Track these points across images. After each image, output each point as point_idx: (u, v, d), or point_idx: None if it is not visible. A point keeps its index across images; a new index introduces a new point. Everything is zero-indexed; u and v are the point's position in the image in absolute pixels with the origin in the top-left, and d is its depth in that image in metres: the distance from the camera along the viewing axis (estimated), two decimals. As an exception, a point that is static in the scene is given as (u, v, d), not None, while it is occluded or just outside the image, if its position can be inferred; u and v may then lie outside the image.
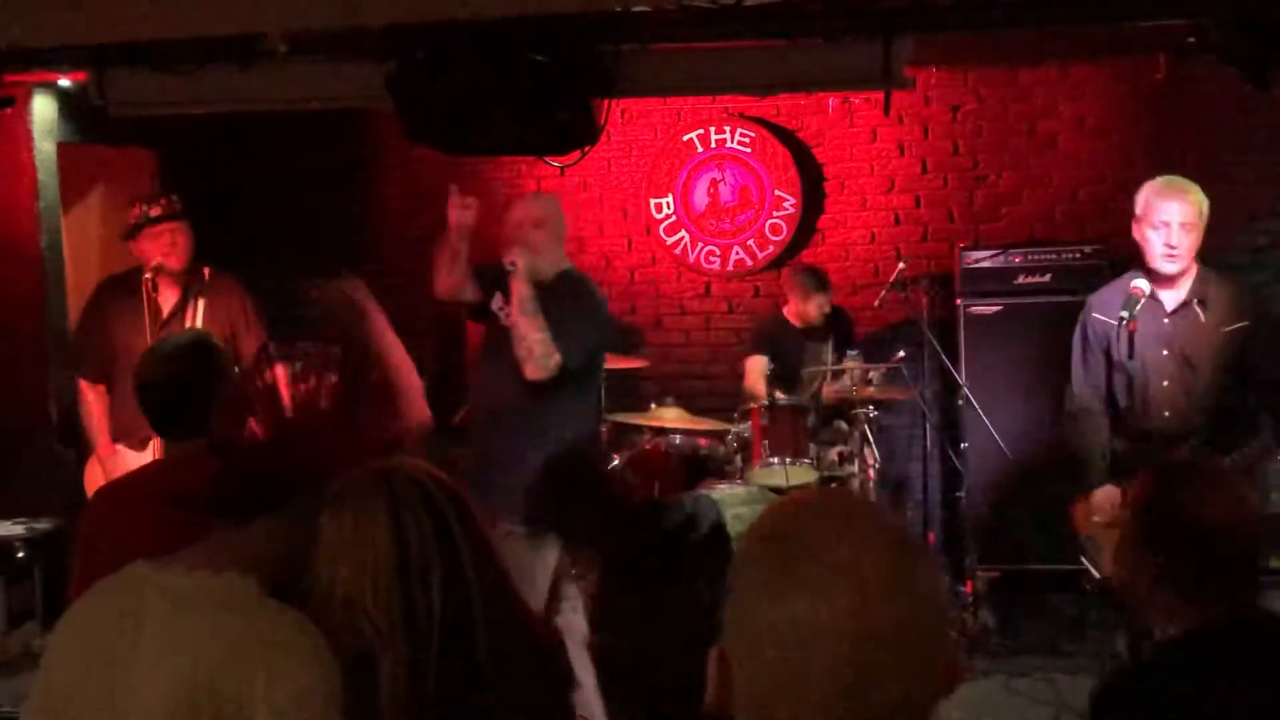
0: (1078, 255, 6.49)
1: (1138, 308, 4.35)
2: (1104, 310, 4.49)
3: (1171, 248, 4.28)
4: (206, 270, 5.07)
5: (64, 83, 5.89)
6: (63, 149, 6.33)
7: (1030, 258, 6.60)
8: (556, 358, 4.34)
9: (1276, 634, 2.30)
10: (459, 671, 1.87)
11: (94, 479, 5.04)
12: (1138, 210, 4.37)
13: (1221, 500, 2.31)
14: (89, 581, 2.12)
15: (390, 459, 2.03)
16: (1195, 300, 4.37)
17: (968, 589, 6.11)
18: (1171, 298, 4.40)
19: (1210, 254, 6.65)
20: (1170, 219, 4.27)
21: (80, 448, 5.65)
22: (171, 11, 3.86)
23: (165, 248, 4.93)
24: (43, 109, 6.20)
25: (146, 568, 1.93)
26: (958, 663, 1.33)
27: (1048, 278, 6.50)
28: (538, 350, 4.33)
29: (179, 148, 6.91)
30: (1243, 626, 2.27)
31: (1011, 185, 7.08)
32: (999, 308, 6.58)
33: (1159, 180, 4.38)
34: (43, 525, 5.60)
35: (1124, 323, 4.36)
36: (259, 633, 1.80)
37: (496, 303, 4.61)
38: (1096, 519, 4.32)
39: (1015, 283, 6.58)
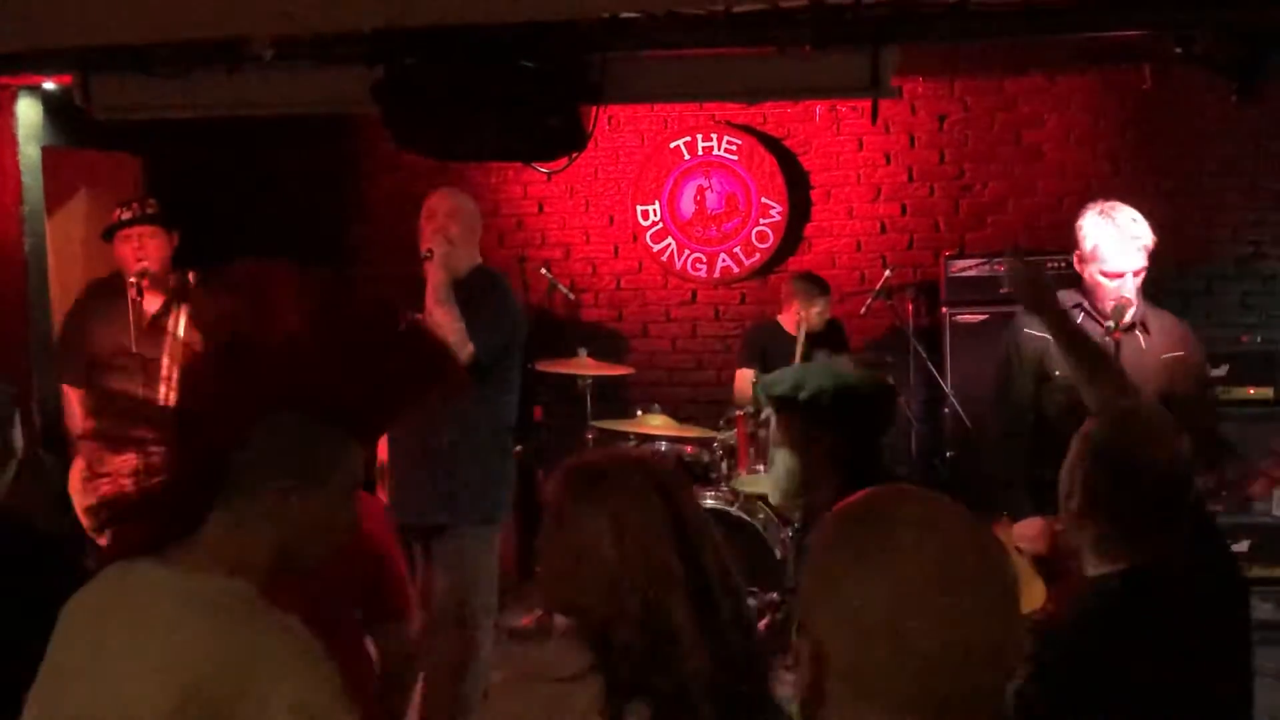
0: (1063, 264, 6.42)
1: (1126, 318, 4.22)
2: (1036, 325, 4.14)
3: (1124, 297, 4.05)
4: (192, 275, 5.05)
5: (49, 86, 5.87)
6: (48, 153, 6.30)
7: (1016, 267, 6.60)
8: (470, 348, 4.31)
9: (1205, 572, 2.53)
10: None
11: (79, 483, 5.01)
12: (1084, 250, 4.09)
13: (1163, 443, 2.49)
14: None
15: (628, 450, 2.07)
16: (1138, 325, 4.14)
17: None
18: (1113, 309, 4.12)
19: (1193, 264, 6.76)
20: (1124, 269, 4.03)
21: (64, 452, 5.61)
22: (157, 15, 3.83)
23: (135, 251, 4.89)
24: (28, 112, 6.17)
25: (147, 564, 1.89)
26: (1024, 648, 1.41)
27: (1033, 286, 6.50)
28: (452, 339, 4.28)
29: (165, 152, 6.89)
30: (1173, 565, 2.40)
31: (997, 194, 7.10)
32: (984, 316, 6.58)
33: (1107, 228, 4.04)
34: (25, 530, 5.55)
35: (1109, 333, 4.21)
36: (254, 643, 1.78)
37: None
38: (1022, 548, 4.04)
39: (1001, 292, 6.57)
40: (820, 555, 1.42)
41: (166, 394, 4.52)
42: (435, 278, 4.41)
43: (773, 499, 3.04)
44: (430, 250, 4.46)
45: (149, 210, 4.95)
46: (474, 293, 4.47)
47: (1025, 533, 4.09)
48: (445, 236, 4.49)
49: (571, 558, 2.07)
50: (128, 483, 1.91)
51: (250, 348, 1.93)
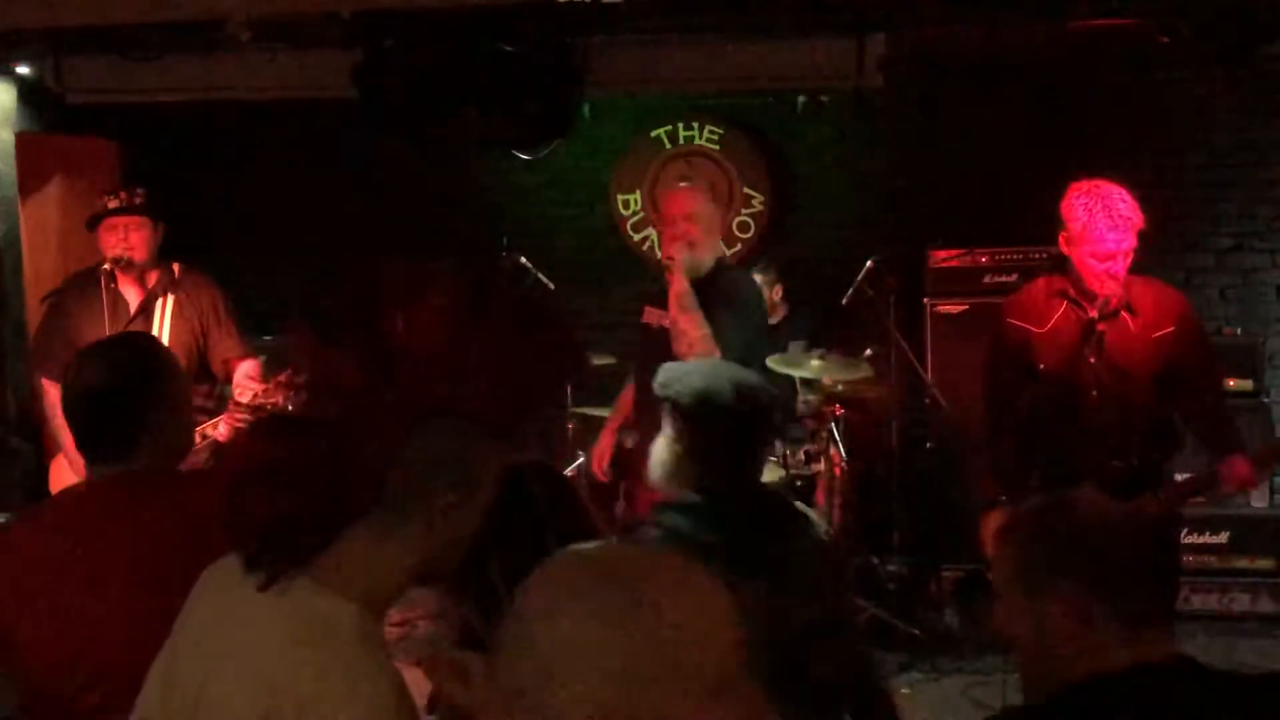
0: (1045, 256, 6.47)
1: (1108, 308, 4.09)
2: (1020, 316, 4.22)
3: (1114, 276, 4.02)
4: (176, 266, 4.98)
5: (23, 70, 5.80)
6: (21, 138, 6.22)
7: (997, 258, 6.61)
8: (716, 354, 4.26)
9: (1195, 679, 1.95)
10: None
11: (61, 476, 4.95)
12: (1072, 231, 4.04)
13: (1112, 507, 2.07)
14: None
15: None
16: (1124, 306, 4.08)
17: (933, 588, 6.09)
18: (1100, 302, 4.10)
19: (1175, 256, 6.76)
20: (1115, 250, 3.98)
21: (42, 443, 5.55)
22: (133, -3, 3.79)
23: (120, 241, 4.83)
24: (1, 97, 6.09)
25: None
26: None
27: (1014, 277, 6.48)
28: (699, 347, 4.28)
29: (142, 138, 6.81)
30: (1159, 671, 1.92)
31: (980, 185, 7.08)
32: (965, 307, 6.58)
33: (1096, 208, 3.99)
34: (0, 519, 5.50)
35: (1094, 323, 4.12)
36: (348, 688, 1.66)
37: (650, 318, 4.60)
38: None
39: (982, 282, 6.58)
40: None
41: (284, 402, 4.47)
42: (678, 285, 4.36)
43: (649, 481, 3.08)
44: (671, 258, 4.40)
45: (136, 200, 4.87)
46: (718, 293, 4.42)
47: (985, 534, 4.07)
48: (686, 241, 4.43)
49: None
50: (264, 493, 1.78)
51: (401, 352, 1.82)
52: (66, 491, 2.88)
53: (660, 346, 4.42)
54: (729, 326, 4.35)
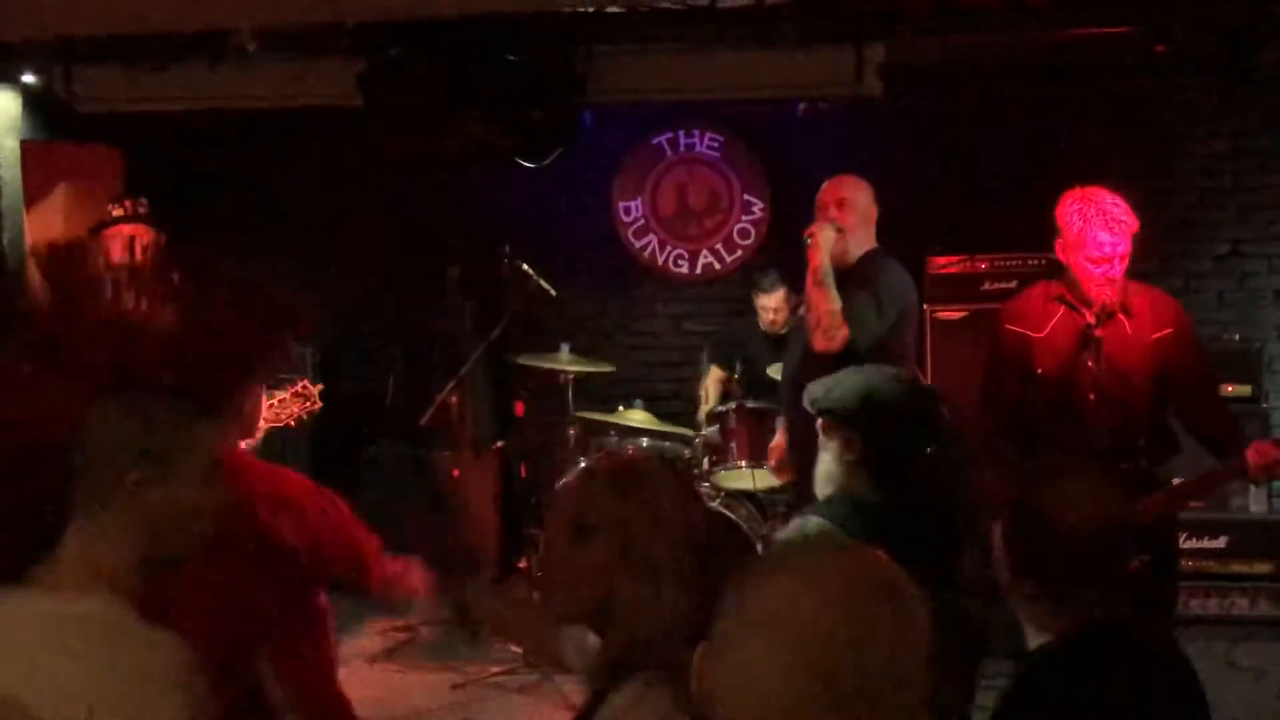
0: (1044, 262, 6.49)
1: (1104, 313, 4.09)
2: (1017, 321, 4.21)
3: (1112, 280, 4.02)
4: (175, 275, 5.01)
5: (28, 79, 5.83)
6: (26, 146, 6.24)
7: (996, 264, 6.64)
8: (845, 331, 4.34)
9: (1140, 639, 2.32)
10: None
11: None
12: (1067, 237, 4.05)
13: (1084, 504, 2.27)
14: None
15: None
16: (1120, 309, 4.08)
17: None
18: (1097, 308, 4.09)
19: (1173, 261, 6.79)
20: (1111, 254, 3.99)
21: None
22: (141, 7, 3.82)
23: (122, 250, 4.87)
24: (6, 105, 6.11)
25: (6, 590, 1.71)
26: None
27: (1013, 284, 6.50)
28: (826, 321, 4.36)
29: (145, 146, 6.84)
30: (1107, 633, 2.24)
31: (978, 192, 7.11)
32: (964, 313, 6.61)
33: (1091, 213, 4.01)
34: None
35: (1091, 329, 4.06)
36: (131, 667, 1.65)
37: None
38: None
39: (981, 288, 6.61)
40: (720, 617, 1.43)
41: None
42: (815, 260, 4.47)
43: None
44: (811, 234, 4.52)
45: (140, 209, 4.94)
46: (860, 278, 4.49)
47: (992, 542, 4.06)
48: (830, 223, 4.53)
49: (591, 571, 1.85)
50: None
51: (62, 335, 1.75)
52: None
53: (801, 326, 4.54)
54: (862, 304, 4.40)
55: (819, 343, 4.40)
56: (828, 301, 4.38)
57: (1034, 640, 2.30)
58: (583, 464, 6.16)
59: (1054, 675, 2.23)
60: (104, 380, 1.71)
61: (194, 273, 1.83)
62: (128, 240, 4.88)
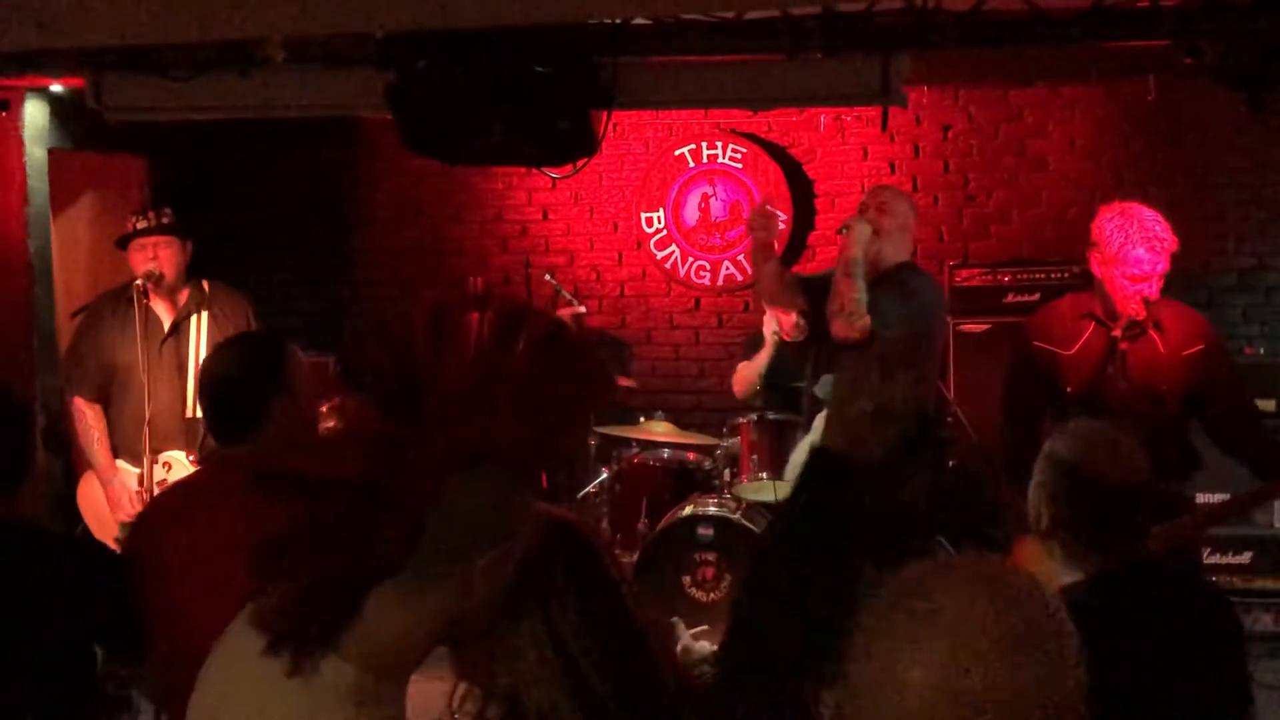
0: (1067, 275, 6.50)
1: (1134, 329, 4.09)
2: (1045, 338, 4.17)
3: (1147, 298, 4.00)
4: (206, 283, 5.01)
5: (56, 88, 5.88)
6: (54, 155, 6.30)
7: (1019, 277, 6.63)
8: (866, 320, 4.33)
9: (1165, 580, 2.59)
10: None
11: (90, 498, 4.96)
12: (1107, 253, 4.01)
13: (1116, 461, 2.53)
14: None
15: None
16: (1150, 325, 4.06)
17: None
18: (1124, 321, 4.09)
19: (1196, 275, 6.77)
20: (1150, 272, 3.97)
21: (71, 461, 5.59)
22: (170, 16, 3.84)
23: (149, 261, 4.87)
24: (35, 114, 6.17)
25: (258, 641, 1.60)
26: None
27: (1036, 296, 6.49)
28: (849, 307, 4.36)
29: (170, 155, 6.89)
30: (1136, 573, 2.48)
31: (1001, 204, 7.11)
32: (988, 326, 6.60)
33: (1132, 230, 3.97)
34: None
35: (1117, 343, 4.08)
36: None
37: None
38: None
39: (1004, 301, 6.61)
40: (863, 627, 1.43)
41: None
42: (847, 251, 4.47)
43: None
44: (847, 225, 4.55)
45: (164, 220, 4.91)
46: (890, 282, 4.50)
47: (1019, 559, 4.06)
48: (868, 220, 4.54)
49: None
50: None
51: (429, 394, 1.62)
52: (205, 469, 3.21)
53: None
54: (886, 301, 4.40)
55: (839, 329, 4.39)
56: (854, 290, 4.37)
57: (1065, 580, 2.48)
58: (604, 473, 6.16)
59: (1089, 610, 2.26)
60: (467, 450, 1.58)
61: (542, 343, 1.68)
62: (153, 252, 4.88)
